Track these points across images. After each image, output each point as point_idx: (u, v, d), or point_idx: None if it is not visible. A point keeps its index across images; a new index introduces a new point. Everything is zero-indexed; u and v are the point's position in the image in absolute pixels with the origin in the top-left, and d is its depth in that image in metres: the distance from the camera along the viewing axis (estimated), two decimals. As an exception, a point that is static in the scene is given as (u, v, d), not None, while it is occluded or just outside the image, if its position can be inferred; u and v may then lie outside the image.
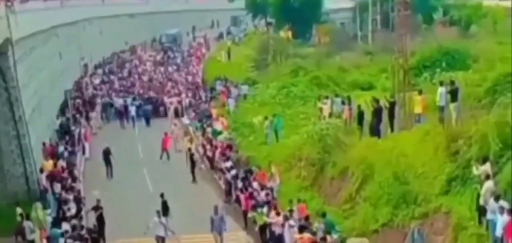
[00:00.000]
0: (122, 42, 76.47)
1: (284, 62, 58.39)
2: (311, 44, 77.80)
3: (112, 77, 62.40)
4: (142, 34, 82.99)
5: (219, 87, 55.36)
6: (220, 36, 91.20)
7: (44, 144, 37.06)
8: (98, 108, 51.57)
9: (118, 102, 53.15)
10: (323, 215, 25.82)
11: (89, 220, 28.68)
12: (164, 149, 41.25)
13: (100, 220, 28.11)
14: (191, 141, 41.17)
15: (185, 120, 48.58)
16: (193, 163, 37.58)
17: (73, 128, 43.30)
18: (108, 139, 42.37)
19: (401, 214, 24.39)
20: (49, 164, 34.55)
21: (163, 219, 26.72)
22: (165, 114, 52.58)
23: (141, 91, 57.35)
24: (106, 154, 38.24)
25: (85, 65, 62.64)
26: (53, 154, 36.32)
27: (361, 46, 67.87)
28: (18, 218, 27.22)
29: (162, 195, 29.50)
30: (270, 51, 63.28)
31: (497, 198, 19.95)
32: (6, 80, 32.59)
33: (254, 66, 63.17)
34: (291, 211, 26.59)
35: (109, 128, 50.16)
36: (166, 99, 54.57)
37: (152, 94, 56.75)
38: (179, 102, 53.43)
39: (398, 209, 24.72)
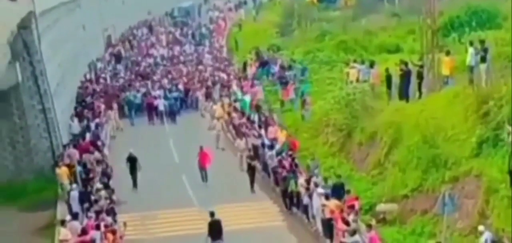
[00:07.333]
0: (145, 12, 75.62)
1: (309, 27, 57.63)
2: (336, 7, 76.53)
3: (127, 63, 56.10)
4: (164, 4, 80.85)
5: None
6: (239, 4, 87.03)
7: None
8: (115, 106, 43.00)
9: (144, 95, 45.12)
10: None
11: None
12: (202, 167, 31.81)
13: None
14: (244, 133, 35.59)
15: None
16: (251, 171, 30.61)
17: (96, 102, 42.90)
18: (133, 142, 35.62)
19: (431, 178, 24.16)
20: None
21: None
22: (194, 106, 45.45)
23: (164, 80, 49.12)
24: (131, 161, 31.76)
25: (109, 37, 62.39)
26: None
27: (388, 7, 66.29)
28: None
29: (212, 214, 23.84)
30: (295, 16, 62.40)
31: None
32: (31, 54, 32.48)
33: (279, 32, 62.40)
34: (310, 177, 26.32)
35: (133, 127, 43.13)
36: (194, 87, 47.00)
37: (174, 81, 48.65)
38: (208, 87, 46.36)
39: (427, 173, 24.49)
